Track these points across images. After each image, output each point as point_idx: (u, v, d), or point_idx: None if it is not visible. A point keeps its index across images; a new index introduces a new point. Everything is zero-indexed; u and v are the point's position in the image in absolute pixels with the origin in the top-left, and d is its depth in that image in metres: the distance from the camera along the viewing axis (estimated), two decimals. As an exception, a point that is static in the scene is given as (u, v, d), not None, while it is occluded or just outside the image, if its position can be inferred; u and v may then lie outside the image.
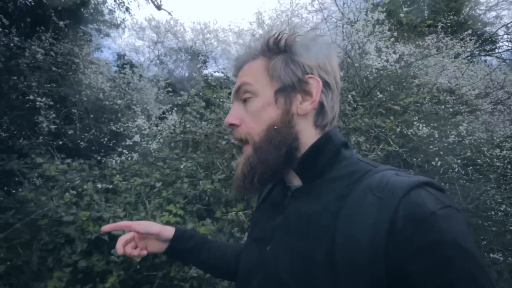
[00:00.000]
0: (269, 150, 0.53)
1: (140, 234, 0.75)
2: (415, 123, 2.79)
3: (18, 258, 1.97)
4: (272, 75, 0.55)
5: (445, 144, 2.73)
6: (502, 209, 2.36)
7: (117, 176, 2.52)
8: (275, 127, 0.53)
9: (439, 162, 2.56)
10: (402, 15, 3.52)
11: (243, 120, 0.56)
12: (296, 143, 0.54)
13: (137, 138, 3.54)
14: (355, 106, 2.53)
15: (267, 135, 0.54)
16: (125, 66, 5.23)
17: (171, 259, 0.81)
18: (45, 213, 2.09)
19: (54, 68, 4.04)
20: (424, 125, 2.74)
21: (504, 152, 2.82)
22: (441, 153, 2.59)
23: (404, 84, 2.87)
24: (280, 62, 0.55)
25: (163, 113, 4.81)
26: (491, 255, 2.22)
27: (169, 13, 6.29)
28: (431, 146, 2.68)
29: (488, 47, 7.21)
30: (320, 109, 0.56)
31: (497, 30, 7.71)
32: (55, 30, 4.20)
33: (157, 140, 3.47)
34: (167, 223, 2.12)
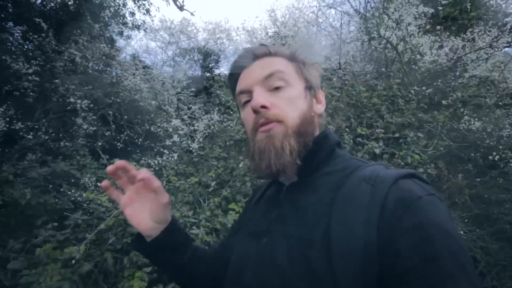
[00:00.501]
0: (307, 134, 0.57)
1: (144, 188, 0.62)
2: (465, 117, 2.75)
3: (91, 258, 2.01)
4: (301, 73, 0.61)
5: (503, 138, 2.68)
6: None
7: (173, 176, 2.54)
8: (308, 117, 0.58)
9: (497, 157, 2.52)
10: (440, 8, 3.46)
11: (273, 104, 0.57)
12: (312, 137, 0.59)
13: (175, 138, 3.57)
14: (412, 99, 2.50)
15: (303, 121, 0.57)
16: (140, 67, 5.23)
17: (136, 249, 0.67)
18: (110, 214, 2.12)
19: (90, 71, 4.10)
20: (476, 119, 2.70)
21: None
22: (500, 147, 2.54)
23: (453, 78, 2.83)
24: (309, 69, 0.63)
25: (192, 113, 4.84)
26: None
27: (192, 13, 6.30)
28: (487, 141, 2.63)
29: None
30: (321, 114, 0.65)
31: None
32: (90, 33, 4.25)
33: (197, 139, 3.49)
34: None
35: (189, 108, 4.84)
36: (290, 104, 0.57)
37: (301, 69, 0.61)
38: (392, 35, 2.92)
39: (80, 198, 2.62)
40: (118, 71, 4.51)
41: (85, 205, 2.67)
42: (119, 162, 0.60)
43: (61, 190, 2.73)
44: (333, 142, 0.60)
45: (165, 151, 3.45)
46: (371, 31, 4.36)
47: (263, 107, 0.56)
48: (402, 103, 2.54)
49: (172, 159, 3.38)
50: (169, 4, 6.48)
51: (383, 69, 3.02)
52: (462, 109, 2.89)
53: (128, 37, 7.29)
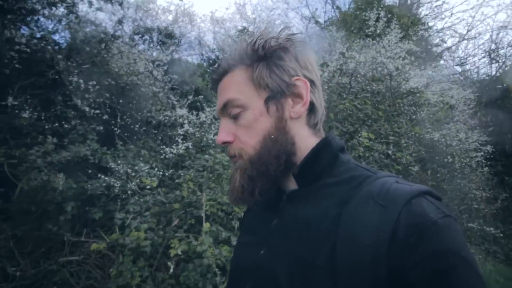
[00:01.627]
0: (269, 161, 0.53)
1: None
2: (429, 130, 3.70)
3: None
4: (258, 84, 0.54)
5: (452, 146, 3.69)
6: None
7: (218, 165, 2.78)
8: (272, 137, 0.53)
9: (450, 159, 3.52)
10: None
11: (236, 135, 0.56)
12: (293, 148, 0.55)
13: (187, 127, 3.65)
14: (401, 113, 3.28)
15: (264, 147, 0.53)
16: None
17: None
18: (176, 198, 2.25)
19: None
20: (436, 131, 3.66)
21: None
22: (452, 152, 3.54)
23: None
24: (264, 70, 0.54)
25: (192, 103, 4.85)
26: None
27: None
28: (445, 148, 3.62)
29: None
30: (311, 108, 0.57)
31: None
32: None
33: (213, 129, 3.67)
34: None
35: (186, 97, 4.83)
36: (247, 132, 0.54)
37: (255, 76, 0.54)
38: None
39: (114, 183, 2.62)
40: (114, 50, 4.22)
41: (116, 190, 2.70)
42: None
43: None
44: (336, 147, 0.56)
45: (179, 140, 3.52)
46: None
47: (225, 143, 0.56)
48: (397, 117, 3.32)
49: (187, 148, 3.49)
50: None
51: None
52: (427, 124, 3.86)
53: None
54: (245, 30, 9.81)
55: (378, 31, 5.29)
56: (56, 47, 3.88)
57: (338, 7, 13.01)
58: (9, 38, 3.28)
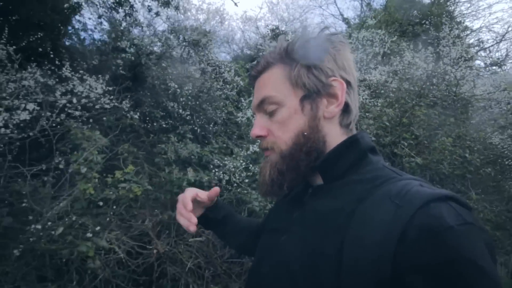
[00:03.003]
0: (300, 157, 0.55)
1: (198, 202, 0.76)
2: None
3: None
4: (295, 83, 0.56)
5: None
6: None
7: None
8: (305, 134, 0.55)
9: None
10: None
11: (269, 130, 0.58)
12: (324, 146, 0.56)
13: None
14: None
15: (296, 143, 0.55)
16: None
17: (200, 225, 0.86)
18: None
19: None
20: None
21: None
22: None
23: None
24: (302, 69, 0.56)
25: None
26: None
27: (235, 4, 6.39)
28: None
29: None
30: (345, 108, 0.57)
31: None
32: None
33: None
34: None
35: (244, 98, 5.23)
36: (281, 127, 0.56)
37: (294, 76, 0.56)
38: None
39: (224, 177, 3.05)
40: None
41: (224, 183, 3.13)
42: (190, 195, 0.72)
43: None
44: (365, 146, 0.56)
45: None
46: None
47: (259, 136, 0.59)
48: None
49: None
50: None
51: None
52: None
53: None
54: (277, 29, 10.09)
55: (419, 32, 5.45)
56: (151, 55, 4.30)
57: (369, 4, 13.09)
58: (117, 47, 3.75)
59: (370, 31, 5.91)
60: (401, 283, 0.38)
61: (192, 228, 0.69)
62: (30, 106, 2.29)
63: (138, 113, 3.45)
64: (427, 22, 7.72)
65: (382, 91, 4.74)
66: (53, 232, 1.92)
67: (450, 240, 0.38)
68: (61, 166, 2.30)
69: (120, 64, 3.71)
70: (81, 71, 2.96)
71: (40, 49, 3.09)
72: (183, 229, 3.03)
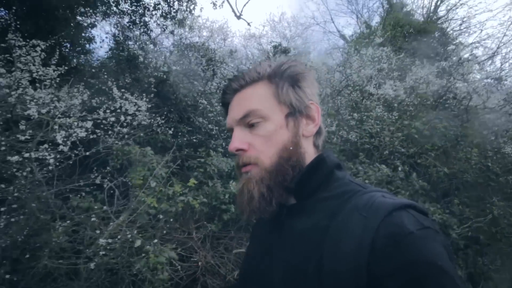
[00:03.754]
0: (286, 171, 0.56)
1: None
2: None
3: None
4: (282, 100, 0.59)
5: None
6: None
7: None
8: (290, 148, 0.57)
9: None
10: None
11: (251, 144, 0.58)
12: (303, 163, 0.58)
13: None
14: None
15: (281, 157, 0.56)
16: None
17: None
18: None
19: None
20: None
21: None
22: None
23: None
24: (290, 88, 0.60)
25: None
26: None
27: (248, 24, 6.71)
28: None
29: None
30: (319, 130, 0.63)
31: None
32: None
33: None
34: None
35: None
36: (266, 141, 0.57)
37: (282, 93, 0.59)
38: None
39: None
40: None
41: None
42: None
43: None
44: (331, 164, 0.58)
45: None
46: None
47: (239, 150, 0.58)
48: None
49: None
50: (217, 7, 6.82)
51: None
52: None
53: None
54: (279, 46, 10.47)
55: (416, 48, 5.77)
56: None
57: (366, 23, 13.72)
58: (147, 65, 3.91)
59: (376, 48, 6.24)
60: (376, 287, 0.41)
61: None
62: (88, 124, 2.39)
63: (171, 129, 3.58)
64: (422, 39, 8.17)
65: (395, 105, 4.99)
66: (113, 246, 1.98)
67: (411, 245, 0.41)
68: (107, 182, 2.37)
69: (152, 82, 3.85)
70: (122, 90, 3.09)
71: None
72: (223, 241, 3.12)
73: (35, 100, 2.37)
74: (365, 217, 0.46)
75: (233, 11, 6.25)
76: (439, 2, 11.99)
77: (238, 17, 6.22)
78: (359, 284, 0.42)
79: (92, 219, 1.96)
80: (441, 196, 3.35)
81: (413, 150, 3.52)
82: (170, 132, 3.58)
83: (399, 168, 3.18)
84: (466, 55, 10.58)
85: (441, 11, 12.00)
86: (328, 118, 4.53)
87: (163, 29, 6.77)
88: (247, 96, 0.60)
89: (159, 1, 6.70)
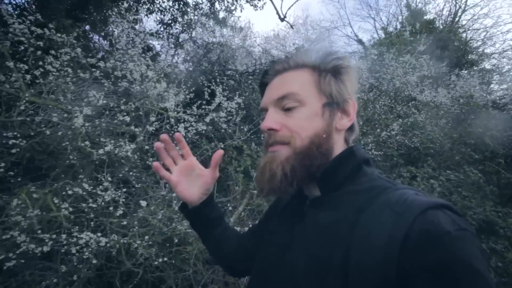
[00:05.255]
0: (315, 156, 0.56)
1: (190, 165, 0.73)
2: None
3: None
4: (322, 89, 0.59)
5: None
6: None
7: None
8: (323, 136, 0.57)
9: None
10: None
11: (284, 125, 0.58)
12: (331, 155, 0.58)
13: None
14: None
15: (313, 142, 0.56)
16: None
17: (185, 215, 0.79)
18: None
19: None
20: None
21: None
22: None
23: None
24: (332, 80, 0.60)
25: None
26: None
27: (291, 26, 6.83)
28: None
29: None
30: (351, 126, 0.62)
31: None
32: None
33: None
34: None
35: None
36: (300, 124, 0.57)
37: (323, 83, 0.59)
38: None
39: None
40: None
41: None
42: (178, 136, 0.69)
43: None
44: (360, 159, 0.58)
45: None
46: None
47: (271, 129, 0.59)
48: None
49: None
50: (259, 8, 6.95)
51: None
52: None
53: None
54: (302, 47, 10.62)
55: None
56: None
57: (384, 28, 13.93)
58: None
59: (416, 56, 6.41)
60: (405, 282, 0.41)
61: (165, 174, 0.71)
62: (207, 118, 2.51)
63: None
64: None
65: (441, 112, 5.17)
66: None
67: (448, 244, 0.40)
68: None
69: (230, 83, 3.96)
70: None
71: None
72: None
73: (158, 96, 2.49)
74: (397, 212, 0.45)
75: (277, 13, 6.33)
76: (460, 11, 12.21)
77: (282, 19, 6.33)
78: (388, 277, 0.42)
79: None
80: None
81: (478, 157, 3.70)
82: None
83: (471, 173, 3.35)
84: (487, 66, 10.84)
85: (463, 20, 12.20)
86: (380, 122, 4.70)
87: (205, 28, 6.90)
88: (288, 79, 0.61)
89: (202, 0, 6.83)
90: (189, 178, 0.73)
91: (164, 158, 0.72)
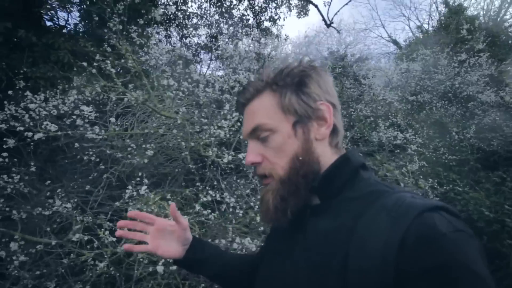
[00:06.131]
0: (298, 181, 0.55)
1: (160, 227, 0.73)
2: None
3: None
4: (286, 109, 0.58)
5: None
6: None
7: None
8: (300, 158, 0.56)
9: None
10: None
11: (264, 156, 0.58)
12: (319, 167, 0.57)
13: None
14: None
15: (292, 167, 0.56)
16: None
17: (181, 267, 0.81)
18: None
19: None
20: None
21: None
22: None
23: None
24: (293, 96, 0.57)
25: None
26: None
27: (338, 32, 6.86)
28: None
29: None
30: (333, 129, 0.60)
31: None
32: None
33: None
34: None
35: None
36: (277, 153, 0.57)
37: (284, 102, 0.58)
38: None
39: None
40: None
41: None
42: (135, 213, 0.72)
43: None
44: (356, 164, 0.58)
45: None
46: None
47: (254, 163, 0.59)
48: None
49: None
50: (301, 16, 7.01)
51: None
52: None
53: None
54: (337, 51, 10.50)
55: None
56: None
57: (420, 27, 13.48)
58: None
59: (478, 56, 6.15)
60: (403, 286, 0.41)
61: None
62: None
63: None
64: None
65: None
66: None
67: (444, 246, 0.40)
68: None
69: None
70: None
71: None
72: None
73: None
74: (393, 216, 0.45)
75: (324, 19, 6.37)
76: (506, 5, 11.55)
77: (328, 25, 6.35)
78: (385, 281, 0.42)
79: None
80: None
81: None
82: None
83: None
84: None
85: (508, 14, 11.52)
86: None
87: (250, 38, 7.08)
88: (254, 110, 0.60)
89: (247, 13, 7.03)
90: (164, 238, 0.73)
91: (133, 236, 0.74)
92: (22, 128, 1.63)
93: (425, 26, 13.31)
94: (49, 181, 2.02)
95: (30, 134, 1.60)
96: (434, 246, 0.40)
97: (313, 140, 0.58)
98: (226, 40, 7.16)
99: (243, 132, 0.63)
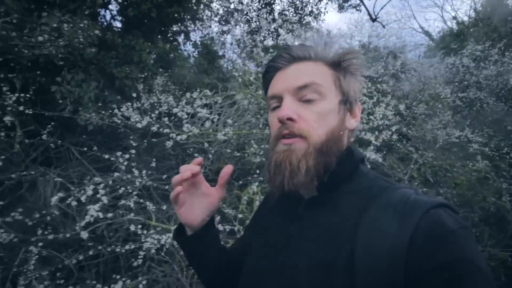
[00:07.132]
0: (332, 154, 0.54)
1: (196, 183, 0.64)
2: None
3: None
4: (340, 86, 0.57)
5: None
6: None
7: None
8: (341, 133, 0.56)
9: None
10: None
11: (301, 116, 0.55)
12: (339, 154, 0.56)
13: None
14: None
15: (330, 139, 0.54)
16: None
17: (181, 244, 0.71)
18: None
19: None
20: None
21: None
22: None
23: None
24: (351, 80, 0.59)
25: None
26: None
27: (383, 26, 6.80)
28: None
29: None
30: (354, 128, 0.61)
31: None
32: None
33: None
34: None
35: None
36: (319, 119, 0.55)
37: (340, 80, 0.58)
38: None
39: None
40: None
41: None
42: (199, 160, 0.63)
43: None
44: (357, 158, 0.58)
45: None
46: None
47: (290, 119, 0.54)
48: None
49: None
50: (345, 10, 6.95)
51: None
52: None
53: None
54: (369, 45, 10.28)
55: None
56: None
57: (455, 18, 12.93)
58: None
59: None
60: (413, 284, 0.41)
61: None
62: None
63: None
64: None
65: None
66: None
67: (454, 242, 0.41)
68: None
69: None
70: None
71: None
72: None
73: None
74: (401, 213, 0.45)
75: (369, 14, 6.31)
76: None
77: (374, 20, 6.28)
78: (395, 279, 0.41)
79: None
80: None
81: None
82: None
83: None
84: None
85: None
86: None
87: (290, 33, 7.07)
88: (309, 69, 0.58)
89: (288, 7, 7.04)
90: (192, 197, 0.64)
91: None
92: (168, 130, 1.80)
93: (460, 16, 12.73)
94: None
95: (173, 135, 1.77)
96: (444, 243, 0.41)
97: (345, 126, 0.59)
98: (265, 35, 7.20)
99: (282, 85, 0.58)
